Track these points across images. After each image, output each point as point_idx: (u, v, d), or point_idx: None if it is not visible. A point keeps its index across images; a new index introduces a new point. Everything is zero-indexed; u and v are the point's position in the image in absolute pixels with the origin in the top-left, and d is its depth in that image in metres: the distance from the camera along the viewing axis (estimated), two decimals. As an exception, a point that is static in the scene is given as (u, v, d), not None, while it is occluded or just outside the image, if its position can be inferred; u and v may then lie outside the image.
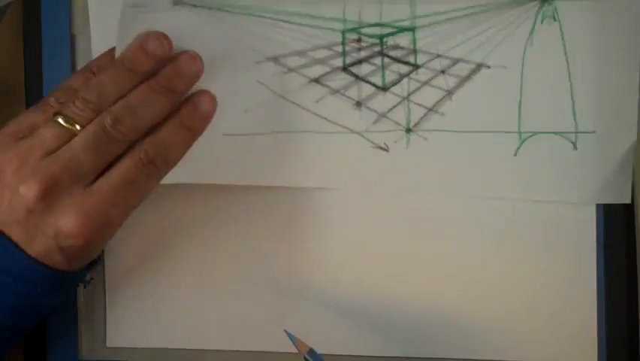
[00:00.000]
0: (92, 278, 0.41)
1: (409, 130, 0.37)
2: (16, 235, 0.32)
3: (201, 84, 0.37)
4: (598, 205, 0.38)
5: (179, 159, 0.35)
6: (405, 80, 0.37)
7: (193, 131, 0.36)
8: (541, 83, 0.37)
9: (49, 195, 0.32)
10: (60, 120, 0.33)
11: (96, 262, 0.37)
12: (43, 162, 0.32)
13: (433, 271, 0.39)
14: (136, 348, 0.41)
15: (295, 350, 0.38)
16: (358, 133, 0.38)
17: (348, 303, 0.39)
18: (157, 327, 0.41)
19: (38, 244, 0.32)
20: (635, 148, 0.36)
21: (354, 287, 0.39)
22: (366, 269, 0.39)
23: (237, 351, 0.40)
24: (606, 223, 0.38)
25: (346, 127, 0.38)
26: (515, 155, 0.37)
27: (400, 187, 0.38)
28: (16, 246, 0.32)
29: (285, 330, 0.35)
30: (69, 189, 0.32)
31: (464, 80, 0.37)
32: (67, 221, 0.32)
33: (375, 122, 0.38)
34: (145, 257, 0.40)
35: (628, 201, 0.37)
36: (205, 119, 0.36)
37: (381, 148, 0.38)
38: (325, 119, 0.38)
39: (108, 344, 0.41)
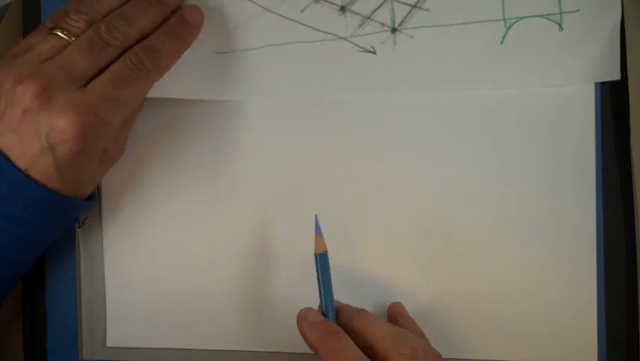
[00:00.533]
0: (86, 218, 0.41)
1: (394, 30, 0.38)
2: (8, 144, 0.33)
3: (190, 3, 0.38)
4: (598, 205, 0.38)
5: (168, 66, 0.36)
6: (386, -22, 0.38)
7: (182, 41, 0.36)
8: None
9: (45, 92, 0.32)
10: (57, 32, 0.34)
11: (90, 200, 0.38)
12: (40, 65, 0.33)
13: (432, 272, 0.39)
14: (136, 348, 0.41)
15: (298, 351, 0.39)
16: (345, 38, 0.38)
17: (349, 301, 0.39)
18: (157, 327, 0.40)
19: (30, 149, 0.33)
20: (619, 24, 0.36)
21: (354, 287, 0.39)
22: (364, 270, 0.39)
23: (238, 351, 0.40)
24: (606, 223, 0.38)
25: (333, 33, 0.38)
26: (502, 43, 0.37)
27: (389, 88, 0.38)
28: (7, 159, 0.33)
29: (315, 215, 0.35)
30: (63, 89, 0.33)
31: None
32: (59, 117, 0.32)
33: (361, 25, 0.38)
34: (145, 257, 0.41)
35: (617, 77, 0.36)
36: (192, 30, 0.37)
37: (368, 51, 0.38)
38: (312, 27, 0.38)
39: (108, 344, 0.41)
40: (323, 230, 0.35)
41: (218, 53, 0.38)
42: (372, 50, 0.38)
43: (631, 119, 0.37)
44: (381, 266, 0.39)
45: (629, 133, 0.37)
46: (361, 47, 0.38)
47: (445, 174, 0.38)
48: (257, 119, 0.40)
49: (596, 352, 0.37)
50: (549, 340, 0.38)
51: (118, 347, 0.41)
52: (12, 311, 0.41)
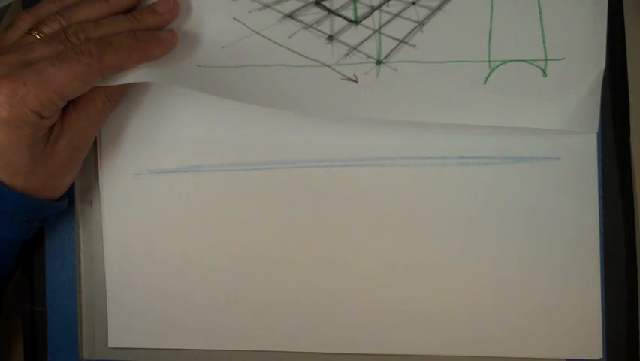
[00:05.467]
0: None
1: (379, 62, 0.38)
2: None
3: (179, 20, 0.38)
4: (598, 204, 0.37)
5: (117, 62, 0.35)
6: (376, 12, 0.38)
7: (143, 50, 0.36)
8: (511, 11, 0.36)
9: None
10: (34, 34, 0.36)
11: (62, 200, 0.39)
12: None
13: (433, 268, 0.39)
14: (138, 349, 0.41)
15: (299, 350, 0.39)
16: (329, 66, 0.38)
17: (348, 301, 0.39)
18: (159, 328, 0.41)
19: None
20: (602, 74, 0.36)
21: (355, 285, 0.39)
22: (365, 267, 0.39)
23: (238, 351, 0.41)
24: (606, 223, 0.38)
25: (317, 60, 0.38)
26: (484, 83, 0.37)
27: (368, 115, 0.38)
28: None
29: None
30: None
31: (435, 10, 0.37)
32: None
33: (347, 55, 0.38)
34: (146, 257, 0.41)
35: (595, 131, 0.36)
36: (163, 48, 0.37)
37: (350, 80, 0.38)
38: (298, 53, 0.38)
39: (110, 345, 0.41)
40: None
41: (199, 66, 0.38)
42: (354, 78, 0.38)
43: (631, 119, 0.37)
44: (382, 264, 0.39)
45: (629, 133, 0.37)
46: (344, 75, 0.38)
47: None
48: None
49: (601, 350, 0.38)
50: (553, 337, 0.38)
51: (120, 348, 0.41)
52: (11, 310, 0.42)
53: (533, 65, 0.36)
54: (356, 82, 0.38)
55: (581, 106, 0.36)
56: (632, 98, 0.37)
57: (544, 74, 0.36)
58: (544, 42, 0.36)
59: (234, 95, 0.37)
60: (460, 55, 0.37)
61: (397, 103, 0.38)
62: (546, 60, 0.36)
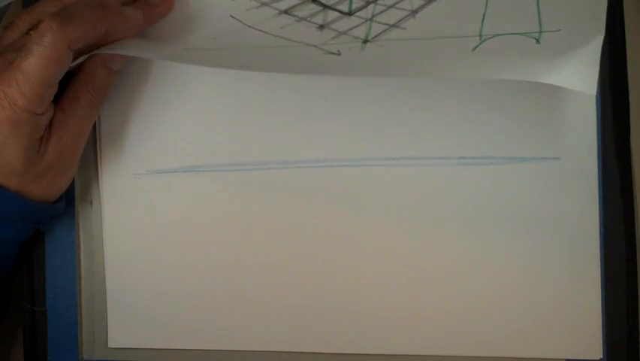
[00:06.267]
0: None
1: (366, 41, 0.37)
2: None
3: (173, 16, 0.39)
4: (598, 204, 0.37)
5: (82, 33, 0.34)
6: (371, 5, 0.37)
7: (109, 21, 0.35)
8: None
9: None
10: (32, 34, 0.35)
11: (59, 202, 0.39)
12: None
13: (433, 268, 0.39)
14: (138, 349, 0.41)
15: (299, 350, 0.40)
16: (315, 46, 0.37)
17: (349, 301, 0.39)
18: (159, 328, 0.41)
19: None
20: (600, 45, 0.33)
21: (354, 285, 0.39)
22: (365, 267, 0.39)
23: (238, 351, 0.41)
24: (606, 223, 0.37)
25: (303, 42, 0.37)
26: (473, 50, 0.35)
27: (351, 75, 0.37)
28: None
29: None
30: None
31: (430, 0, 0.37)
32: None
33: (334, 37, 0.37)
34: (146, 257, 0.41)
35: (593, 92, 0.32)
36: (127, 20, 0.36)
37: (333, 53, 0.37)
38: (286, 39, 0.37)
39: (110, 345, 0.41)
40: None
41: (186, 49, 0.38)
42: (337, 52, 0.37)
43: (631, 119, 0.37)
44: (383, 263, 0.39)
45: (629, 133, 0.37)
46: (327, 50, 0.37)
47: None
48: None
49: (601, 350, 0.38)
50: (554, 337, 0.38)
51: (120, 348, 0.42)
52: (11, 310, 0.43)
53: (527, 36, 0.35)
54: (339, 55, 0.36)
55: (578, 64, 0.33)
56: (632, 98, 0.37)
57: (538, 42, 0.35)
58: (539, 15, 0.35)
59: (218, 63, 0.37)
60: (451, 32, 0.36)
61: (382, 65, 0.36)
62: (541, 32, 0.35)
